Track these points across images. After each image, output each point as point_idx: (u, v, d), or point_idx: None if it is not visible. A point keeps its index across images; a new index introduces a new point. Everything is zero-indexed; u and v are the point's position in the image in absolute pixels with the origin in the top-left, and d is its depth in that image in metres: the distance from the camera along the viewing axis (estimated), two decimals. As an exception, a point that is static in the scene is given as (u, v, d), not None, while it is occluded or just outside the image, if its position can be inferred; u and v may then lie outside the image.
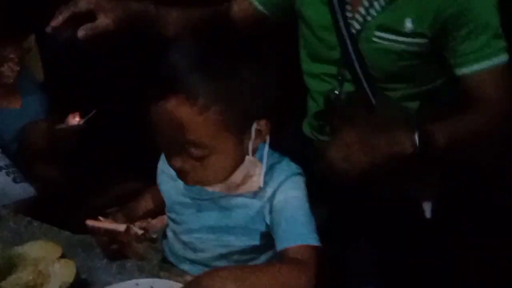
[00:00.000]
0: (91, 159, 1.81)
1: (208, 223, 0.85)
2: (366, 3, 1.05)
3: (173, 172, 0.85)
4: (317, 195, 0.87)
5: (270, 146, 0.83)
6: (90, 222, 0.87)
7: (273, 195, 0.82)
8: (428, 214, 1.11)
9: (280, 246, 0.78)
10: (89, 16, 0.99)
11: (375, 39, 1.06)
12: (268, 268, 0.77)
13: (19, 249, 0.86)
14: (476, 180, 1.44)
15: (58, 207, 1.41)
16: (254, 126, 0.78)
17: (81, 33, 0.98)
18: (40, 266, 0.83)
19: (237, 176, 0.80)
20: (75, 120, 1.86)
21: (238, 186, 0.82)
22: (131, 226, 0.90)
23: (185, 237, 0.89)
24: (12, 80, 1.62)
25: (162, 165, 0.93)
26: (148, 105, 0.76)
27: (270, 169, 0.83)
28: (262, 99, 0.77)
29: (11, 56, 1.57)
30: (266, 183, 0.82)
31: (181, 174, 0.80)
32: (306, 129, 1.30)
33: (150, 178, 1.00)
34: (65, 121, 1.85)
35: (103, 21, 1.00)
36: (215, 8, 1.21)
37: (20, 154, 1.60)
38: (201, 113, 0.72)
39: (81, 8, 0.97)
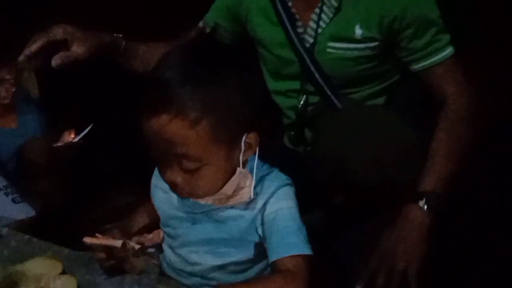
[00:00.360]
0: (88, 175, 1.83)
1: (203, 236, 0.87)
2: (315, 17, 1.09)
3: (166, 186, 0.87)
4: (308, 201, 0.90)
5: (259, 157, 0.85)
6: (87, 239, 0.89)
7: (264, 206, 0.84)
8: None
9: (272, 257, 0.81)
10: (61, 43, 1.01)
11: (329, 50, 1.10)
12: (260, 282, 0.80)
13: (21, 266, 0.88)
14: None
15: (57, 224, 1.43)
16: (244, 139, 0.80)
17: (55, 61, 1.00)
18: (42, 283, 0.85)
19: (228, 188, 0.82)
20: (70, 137, 1.89)
21: (229, 198, 0.84)
22: (128, 241, 0.93)
23: (181, 251, 0.90)
24: (8, 101, 1.64)
25: (155, 180, 0.95)
26: (139, 121, 0.78)
27: (260, 181, 0.85)
28: (250, 111, 0.79)
29: (7, 77, 1.60)
30: (257, 194, 0.84)
31: (174, 187, 0.82)
32: (286, 142, 1.33)
33: (146, 193, 1.03)
34: (61, 138, 1.88)
35: (77, 50, 1.02)
36: (183, 42, 1.24)
37: (19, 172, 1.63)
38: (192, 127, 0.74)
39: (56, 37, 0.99)
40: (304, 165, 1.23)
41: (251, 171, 0.84)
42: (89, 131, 1.87)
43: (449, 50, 1.09)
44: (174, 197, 0.89)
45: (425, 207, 1.03)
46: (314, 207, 1.15)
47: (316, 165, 1.16)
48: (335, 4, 1.07)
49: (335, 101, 1.12)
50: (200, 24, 1.25)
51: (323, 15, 1.08)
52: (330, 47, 1.10)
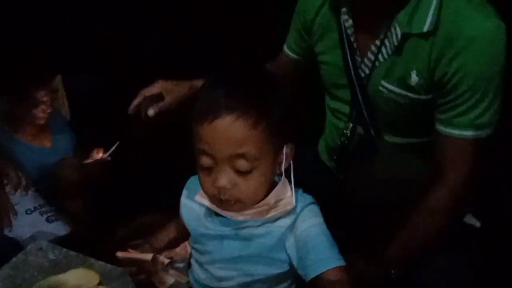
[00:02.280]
0: (117, 193, 1.89)
1: (231, 254, 0.91)
2: (375, 49, 1.07)
3: (196, 205, 0.94)
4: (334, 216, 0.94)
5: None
6: (120, 253, 0.96)
7: (293, 226, 0.88)
8: (477, 224, 1.15)
9: (312, 273, 0.84)
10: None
11: (381, 88, 1.08)
12: None
13: (60, 277, 0.95)
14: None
15: (88, 240, 1.49)
16: (285, 149, 0.86)
17: (150, 112, 1.22)
18: (80, 292, 0.92)
19: (271, 197, 0.87)
20: (99, 155, 1.97)
21: (270, 209, 0.88)
22: (157, 255, 0.98)
23: (209, 267, 0.95)
24: (44, 121, 1.72)
25: (185, 199, 1.00)
26: (195, 128, 0.84)
27: None
28: (290, 124, 0.87)
29: (44, 98, 1.68)
30: (283, 213, 0.89)
31: (221, 195, 0.85)
32: (322, 150, 1.35)
33: (173, 210, 1.08)
34: (90, 156, 1.96)
35: (168, 101, 1.23)
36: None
37: (53, 190, 1.70)
38: (253, 128, 0.81)
39: (152, 92, 1.20)
40: (335, 180, 1.26)
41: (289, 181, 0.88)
42: (117, 149, 1.94)
43: (474, 132, 1.01)
44: (203, 215, 0.94)
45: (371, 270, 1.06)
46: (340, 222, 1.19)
47: (348, 187, 1.20)
48: (396, 43, 1.03)
49: (376, 138, 1.12)
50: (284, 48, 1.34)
51: (383, 49, 1.05)
52: (382, 86, 1.08)
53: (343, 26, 1.09)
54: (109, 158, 1.95)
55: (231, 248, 0.91)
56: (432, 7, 0.99)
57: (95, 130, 2.16)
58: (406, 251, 1.08)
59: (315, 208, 0.90)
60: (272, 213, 0.88)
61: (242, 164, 0.82)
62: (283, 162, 0.87)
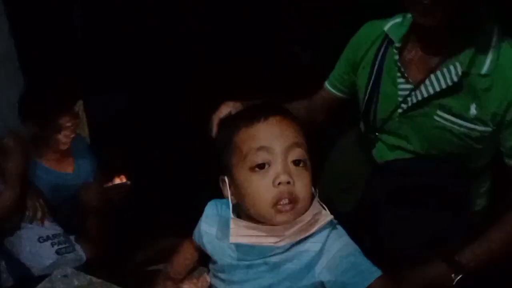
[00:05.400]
0: (137, 217, 1.91)
1: (261, 283, 0.91)
2: (429, 82, 1.13)
3: (218, 234, 0.95)
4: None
5: None
6: None
7: (322, 250, 0.88)
8: None
9: None
10: None
11: (436, 118, 1.14)
12: None
13: (86, 304, 0.96)
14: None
15: (111, 264, 1.49)
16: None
17: None
18: (105, 320, 0.92)
19: (308, 213, 0.89)
20: (120, 180, 2.00)
21: (309, 225, 0.89)
22: None
23: None
24: (67, 146, 1.73)
25: (205, 226, 1.00)
26: (247, 129, 0.91)
27: None
28: None
29: (68, 124, 1.69)
30: (310, 237, 0.89)
31: (282, 193, 0.87)
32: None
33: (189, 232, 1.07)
34: (111, 180, 1.98)
35: None
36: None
37: (74, 215, 1.71)
38: (296, 124, 0.93)
39: (225, 113, 1.18)
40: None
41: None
42: (138, 174, 1.97)
43: None
44: (226, 244, 0.94)
45: (452, 274, 1.07)
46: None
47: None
48: (455, 79, 1.10)
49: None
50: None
51: (438, 83, 1.12)
52: (438, 115, 1.14)
53: (394, 59, 1.18)
54: (129, 183, 1.97)
55: (260, 277, 0.91)
56: (491, 52, 1.08)
57: (115, 153, 2.19)
58: (480, 259, 1.09)
59: (340, 229, 0.92)
60: (315, 227, 0.89)
61: (298, 153, 0.89)
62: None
